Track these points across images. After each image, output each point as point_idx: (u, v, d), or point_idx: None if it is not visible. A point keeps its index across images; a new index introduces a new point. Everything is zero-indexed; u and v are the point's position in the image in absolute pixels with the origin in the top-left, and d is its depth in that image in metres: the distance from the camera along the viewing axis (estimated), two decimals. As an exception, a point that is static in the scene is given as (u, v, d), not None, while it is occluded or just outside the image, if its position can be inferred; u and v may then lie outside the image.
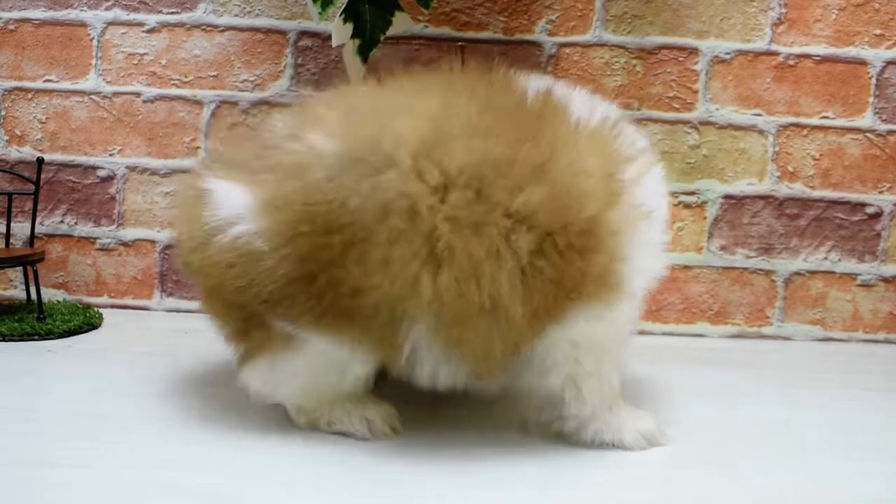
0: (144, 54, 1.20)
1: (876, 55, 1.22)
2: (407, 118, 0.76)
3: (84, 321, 1.11)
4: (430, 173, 0.73)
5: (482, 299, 0.73)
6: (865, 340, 1.25)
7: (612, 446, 0.82)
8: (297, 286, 0.76)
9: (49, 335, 1.07)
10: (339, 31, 1.06)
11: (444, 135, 0.75)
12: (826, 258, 1.24)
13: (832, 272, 1.25)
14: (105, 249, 1.23)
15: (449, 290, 0.73)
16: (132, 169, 1.21)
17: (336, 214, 0.74)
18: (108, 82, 1.21)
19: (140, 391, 0.91)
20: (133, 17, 1.20)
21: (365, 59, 1.08)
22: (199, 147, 1.21)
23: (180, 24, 1.20)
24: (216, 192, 0.79)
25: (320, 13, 1.05)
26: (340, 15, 1.05)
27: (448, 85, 0.81)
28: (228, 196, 0.78)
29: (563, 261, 0.74)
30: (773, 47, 1.21)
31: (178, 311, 1.23)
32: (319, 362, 0.79)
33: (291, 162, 0.77)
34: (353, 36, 1.08)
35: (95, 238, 1.22)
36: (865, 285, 1.25)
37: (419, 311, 0.74)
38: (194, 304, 1.23)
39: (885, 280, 1.25)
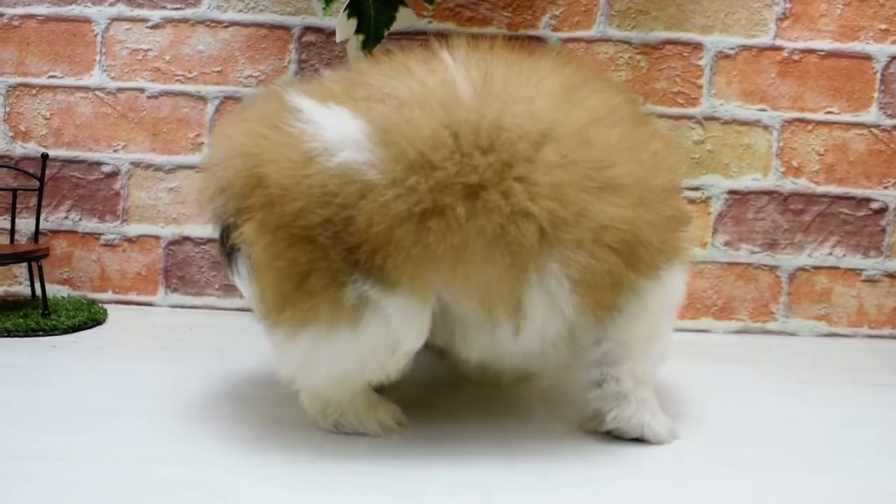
0: (148, 50, 1.20)
1: (881, 50, 1.21)
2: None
3: (88, 317, 1.12)
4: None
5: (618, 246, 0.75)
6: (870, 336, 1.25)
7: (637, 433, 0.81)
8: (410, 227, 0.71)
9: (53, 331, 1.07)
10: (343, 26, 1.06)
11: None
12: (831, 253, 1.24)
13: (837, 268, 1.24)
14: (109, 245, 1.23)
15: (611, 226, 0.74)
16: (136, 165, 1.21)
17: (486, 134, 0.72)
18: (112, 78, 1.21)
19: (144, 387, 0.91)
20: (137, 13, 1.20)
21: (369, 54, 1.08)
22: (203, 143, 1.21)
23: (184, 20, 1.20)
24: (317, 114, 0.74)
25: (324, 8, 1.05)
26: (344, 10, 1.05)
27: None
28: (336, 120, 0.73)
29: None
30: (778, 42, 1.21)
31: (182, 306, 1.23)
32: (379, 335, 0.74)
33: (419, 92, 0.75)
34: (357, 31, 1.07)
35: (100, 234, 1.23)
36: (870, 281, 1.25)
37: (580, 237, 0.73)
38: (199, 300, 1.23)
39: (890, 275, 1.25)
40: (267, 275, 0.74)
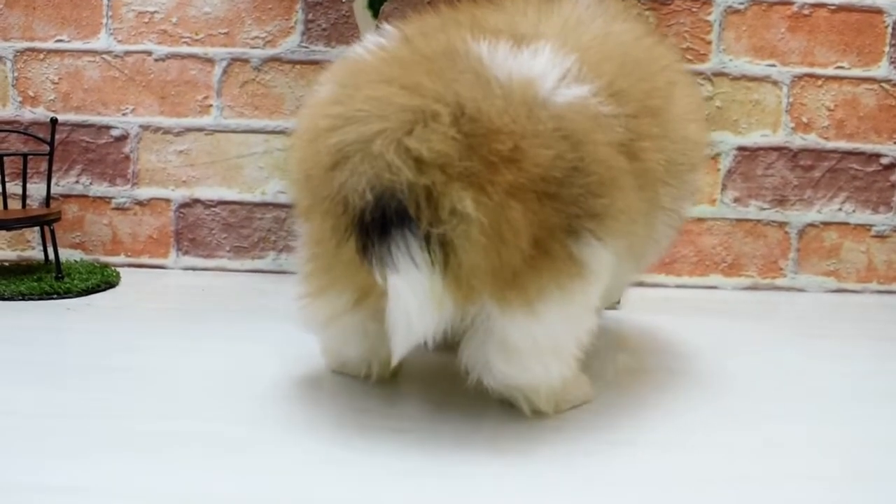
0: (155, 12, 1.20)
1: (892, 4, 1.20)
2: None
3: (102, 280, 1.13)
4: None
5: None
6: (880, 291, 1.25)
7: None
8: (624, 162, 0.72)
9: (67, 293, 1.08)
10: (350, -15, 1.06)
11: None
12: (840, 209, 1.24)
13: (846, 223, 1.24)
14: (120, 209, 1.23)
15: None
16: (145, 128, 1.22)
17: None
18: (119, 41, 1.20)
19: (157, 346, 0.93)
20: (142, -26, 1.19)
21: (376, 14, 1.08)
22: (211, 105, 1.21)
23: (190, -18, 1.20)
24: (518, 54, 0.70)
25: (330, -32, 1.05)
26: (350, -31, 1.05)
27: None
28: (546, 56, 0.70)
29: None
30: (788, -4, 1.20)
31: (194, 268, 1.24)
32: (599, 288, 0.73)
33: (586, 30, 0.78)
34: (364, -9, 1.07)
35: (111, 198, 1.23)
36: (880, 236, 1.25)
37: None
38: (210, 262, 1.24)
39: (900, 231, 1.25)
40: (490, 250, 0.66)
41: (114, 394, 0.79)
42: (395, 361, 0.71)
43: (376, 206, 0.64)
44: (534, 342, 0.71)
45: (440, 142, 0.65)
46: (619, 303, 1.12)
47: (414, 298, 0.65)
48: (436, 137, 0.65)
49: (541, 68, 0.70)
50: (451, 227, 0.64)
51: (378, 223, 0.64)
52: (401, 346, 0.67)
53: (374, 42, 0.77)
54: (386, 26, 0.80)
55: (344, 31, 1.20)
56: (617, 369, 0.93)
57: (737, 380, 0.89)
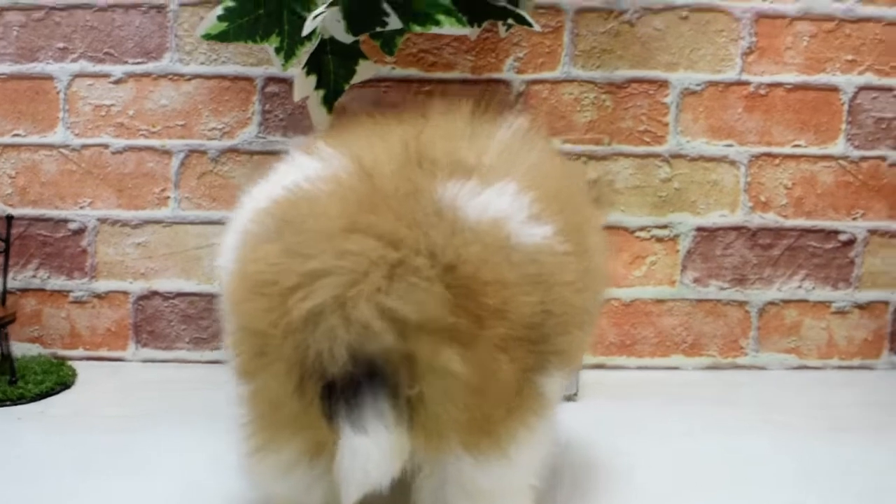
0: (112, 105, 1.19)
1: (848, 81, 1.21)
2: None
3: (57, 381, 1.11)
4: None
5: None
6: (841, 367, 1.26)
7: None
8: (584, 295, 0.73)
9: (20, 400, 1.07)
10: (302, 83, 1.05)
11: None
12: (800, 287, 1.24)
13: (806, 300, 1.25)
14: (78, 302, 1.22)
15: None
16: (103, 221, 1.21)
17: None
18: (76, 135, 1.20)
19: (108, 466, 0.91)
20: (99, 68, 1.19)
21: (330, 109, 1.08)
22: (169, 197, 1.20)
23: (147, 74, 1.19)
24: (486, 192, 0.69)
25: (283, 64, 1.05)
26: (303, 67, 1.04)
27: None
28: (509, 195, 0.69)
29: None
30: (744, 77, 1.20)
31: (153, 360, 1.23)
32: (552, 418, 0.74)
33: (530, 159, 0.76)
34: (317, 87, 1.07)
35: (69, 291, 1.22)
36: (840, 312, 1.25)
37: None
38: (170, 354, 1.23)
39: (860, 307, 1.25)
40: (472, 405, 0.64)
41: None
42: None
43: (353, 372, 0.61)
44: (503, 485, 0.70)
45: (424, 300, 0.62)
46: (575, 394, 1.11)
47: (376, 454, 0.62)
48: (419, 295, 0.62)
49: (506, 208, 0.69)
50: (430, 385, 0.62)
51: (352, 388, 0.62)
52: (354, 496, 0.65)
53: (311, 167, 0.74)
54: (320, 144, 0.78)
55: (300, 121, 1.20)
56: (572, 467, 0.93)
57: (692, 467, 0.89)
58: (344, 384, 0.62)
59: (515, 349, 0.66)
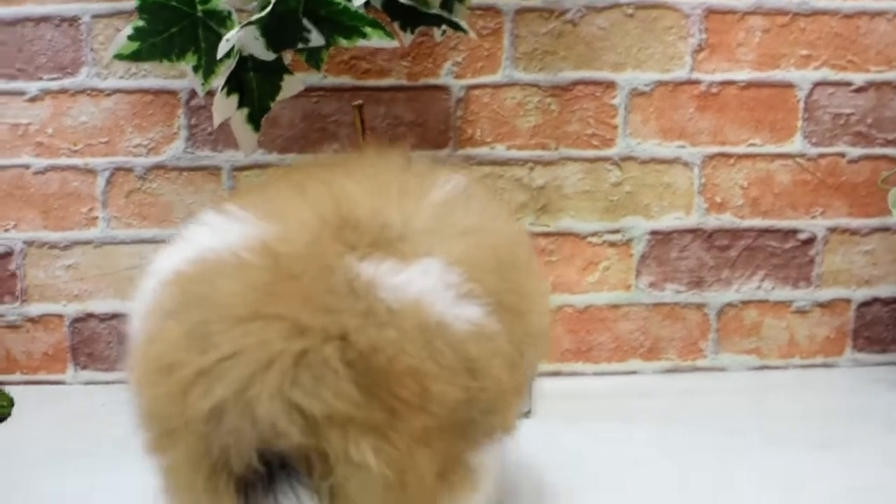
0: (29, 124, 1.13)
1: (803, 77, 1.15)
2: None
3: (-10, 413, 1.08)
4: None
5: None
6: (802, 366, 1.22)
7: None
8: (514, 373, 0.68)
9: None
10: (222, 106, 0.99)
11: None
12: (759, 287, 1.20)
13: (766, 301, 1.21)
14: (12, 327, 1.18)
15: None
16: (30, 244, 1.16)
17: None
18: (-6, 155, 1.14)
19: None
20: (13, 85, 1.12)
21: (257, 127, 1.02)
22: (97, 217, 1.15)
23: (63, 91, 1.12)
24: (408, 270, 0.63)
25: (203, 84, 0.99)
26: (222, 89, 0.98)
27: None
28: (436, 272, 0.64)
29: None
30: (695, 75, 1.14)
31: (94, 382, 1.19)
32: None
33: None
34: (241, 106, 1.01)
35: (1, 316, 1.18)
36: (801, 311, 1.21)
37: None
38: (111, 376, 1.19)
39: (821, 305, 1.21)
40: (390, 498, 0.60)
41: None
42: None
43: (261, 469, 0.58)
44: None
45: (333, 393, 0.58)
46: (529, 410, 1.08)
47: None
48: (327, 388, 0.58)
49: (430, 288, 0.63)
50: (346, 477, 0.59)
51: (264, 480, 0.59)
52: None
53: (219, 234, 0.70)
54: (232, 206, 0.73)
55: (230, 135, 1.13)
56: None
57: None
58: (256, 480, 0.59)
59: (437, 439, 0.62)
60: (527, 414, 1.08)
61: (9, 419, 1.10)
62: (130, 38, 0.97)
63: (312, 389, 0.58)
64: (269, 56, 0.99)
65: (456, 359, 0.62)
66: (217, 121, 0.99)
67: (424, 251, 0.66)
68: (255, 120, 1.03)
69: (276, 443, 0.58)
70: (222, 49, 0.94)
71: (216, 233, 0.69)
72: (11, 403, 1.13)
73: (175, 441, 0.63)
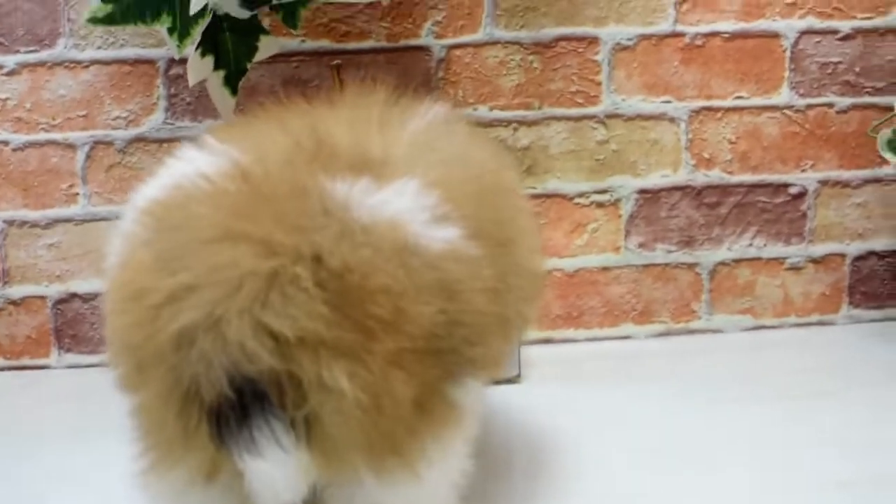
0: (7, 99, 1.12)
1: (789, 26, 1.14)
2: None
3: (-30, 398, 1.06)
4: None
5: None
6: (798, 325, 1.20)
7: None
8: (497, 302, 0.67)
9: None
10: (197, 66, 0.98)
11: None
12: (751, 244, 1.18)
13: (759, 258, 1.19)
14: (-6, 309, 1.16)
15: None
16: (10, 223, 1.14)
17: None
18: (-29, 133, 1.13)
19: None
20: (-11, 60, 1.11)
21: (234, 91, 1.01)
22: (77, 193, 1.13)
23: (41, 63, 1.11)
24: (384, 190, 0.62)
25: (178, 45, 0.97)
26: (197, 49, 0.97)
27: None
28: (411, 193, 0.63)
29: None
30: (679, 28, 1.13)
31: (78, 366, 1.17)
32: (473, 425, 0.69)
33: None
34: (217, 67, 1.00)
35: (-18, 298, 1.16)
36: (794, 268, 1.19)
37: None
38: (95, 358, 1.16)
39: (815, 261, 1.19)
40: (366, 424, 0.58)
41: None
42: None
43: (233, 396, 0.56)
44: None
45: (304, 314, 0.56)
46: (518, 375, 1.06)
47: (281, 476, 0.58)
48: (298, 309, 0.56)
49: (406, 208, 0.62)
50: (320, 404, 0.57)
51: (236, 411, 0.57)
52: None
53: (194, 164, 0.68)
54: (208, 138, 0.71)
55: (210, 104, 1.12)
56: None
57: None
58: (229, 409, 0.57)
59: (413, 363, 0.60)
60: (516, 378, 1.06)
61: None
62: (104, 0, 0.96)
63: (283, 310, 0.57)
64: (243, 14, 0.98)
65: (432, 278, 0.61)
66: (192, 81, 0.97)
67: (401, 174, 0.64)
68: (232, 83, 1.01)
69: (247, 367, 0.56)
70: (195, 6, 0.93)
71: (193, 163, 0.68)
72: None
73: (145, 377, 0.62)
